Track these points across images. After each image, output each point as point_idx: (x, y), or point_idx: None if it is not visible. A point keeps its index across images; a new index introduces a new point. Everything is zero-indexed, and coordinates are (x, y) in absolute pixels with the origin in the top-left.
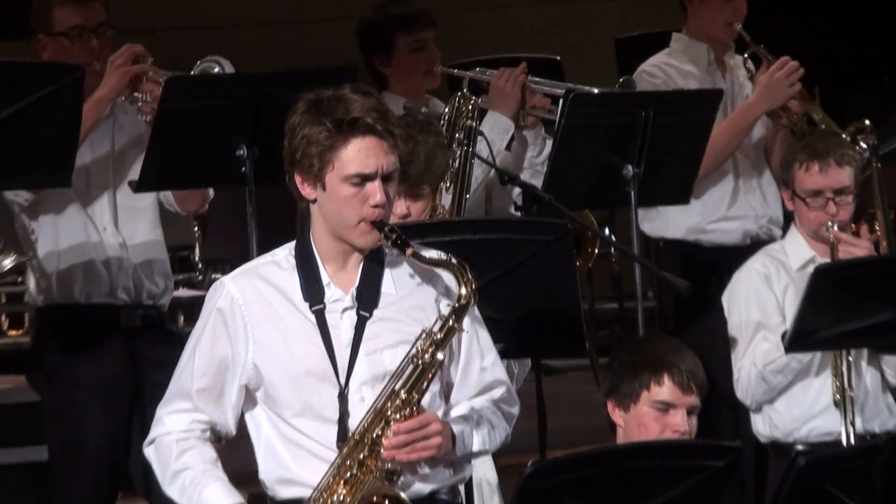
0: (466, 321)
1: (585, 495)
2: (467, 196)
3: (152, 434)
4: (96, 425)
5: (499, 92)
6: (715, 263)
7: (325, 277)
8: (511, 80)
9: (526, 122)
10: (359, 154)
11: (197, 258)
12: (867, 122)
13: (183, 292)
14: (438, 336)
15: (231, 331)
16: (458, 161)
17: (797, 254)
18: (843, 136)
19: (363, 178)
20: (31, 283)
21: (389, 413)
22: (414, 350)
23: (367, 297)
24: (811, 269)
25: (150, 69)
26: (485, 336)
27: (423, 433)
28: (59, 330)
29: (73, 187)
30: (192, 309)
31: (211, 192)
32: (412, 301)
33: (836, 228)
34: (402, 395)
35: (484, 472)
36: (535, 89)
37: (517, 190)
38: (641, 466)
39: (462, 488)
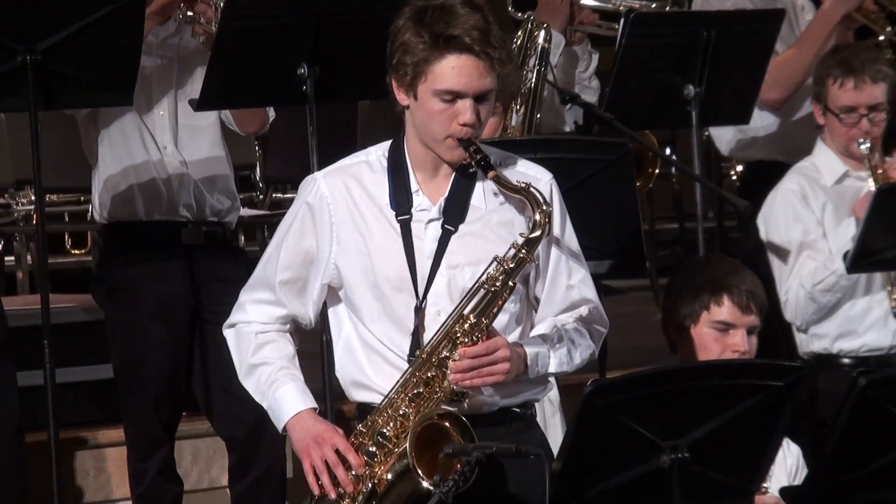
0: (555, 243)
1: (645, 415)
2: (538, 116)
3: (233, 318)
4: (157, 343)
5: (548, 6)
6: None
7: (414, 185)
8: None
9: (574, 37)
10: (452, 71)
11: (258, 178)
12: None
13: (244, 212)
14: (509, 265)
15: (318, 227)
16: (529, 82)
17: (830, 169)
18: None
19: (454, 95)
20: (96, 200)
21: (458, 336)
22: (485, 276)
23: (454, 211)
24: (847, 183)
25: None
26: (574, 254)
27: (489, 359)
28: (122, 247)
29: (134, 105)
30: (253, 228)
31: (271, 114)
32: (500, 216)
33: (867, 145)
34: (472, 318)
35: None
36: (584, 4)
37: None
38: (701, 386)
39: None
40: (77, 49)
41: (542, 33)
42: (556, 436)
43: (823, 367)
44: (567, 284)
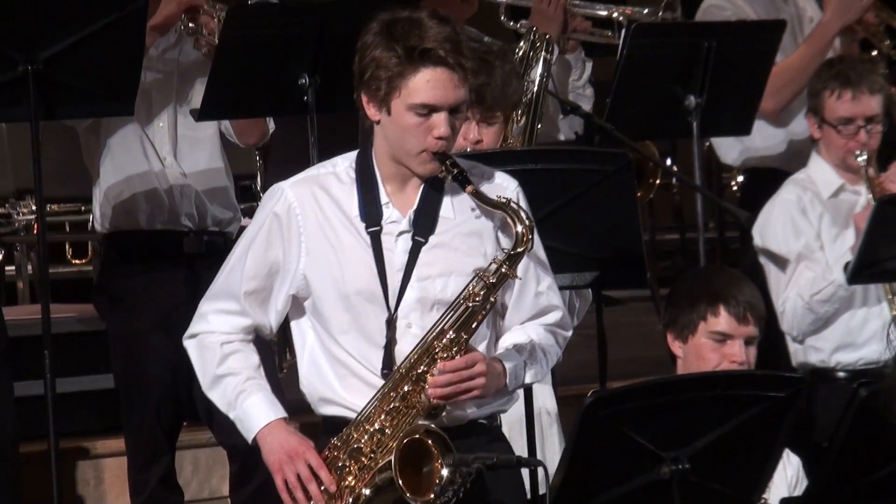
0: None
1: (645, 425)
2: (539, 127)
3: (195, 329)
4: (158, 352)
5: (541, 15)
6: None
7: (383, 197)
8: (553, 2)
9: (567, 46)
10: (427, 84)
11: (258, 187)
12: None
13: (245, 221)
14: (491, 280)
15: (285, 237)
16: (531, 92)
17: (826, 182)
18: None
19: (429, 109)
20: (97, 211)
21: (437, 351)
22: (466, 291)
23: (424, 222)
24: (843, 196)
25: (206, 2)
26: (542, 261)
27: (468, 373)
28: (124, 256)
29: (135, 116)
30: None
31: (271, 127)
32: (470, 227)
33: (865, 157)
34: (451, 334)
35: (544, 401)
36: (576, 12)
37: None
38: (702, 397)
39: (510, 417)
40: (78, 59)
41: (545, 44)
42: (553, 447)
43: (819, 380)
44: (536, 291)
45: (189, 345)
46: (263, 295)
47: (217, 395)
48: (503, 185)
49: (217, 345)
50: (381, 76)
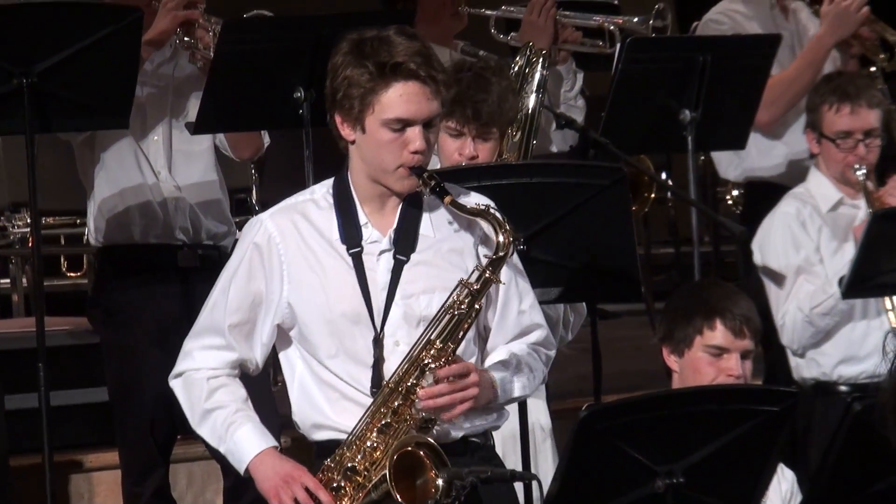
0: (504, 269)
1: (640, 439)
2: (534, 142)
3: (180, 367)
4: (152, 366)
5: (531, 26)
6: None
7: (362, 218)
8: (543, 13)
9: (558, 57)
10: (400, 98)
11: (254, 201)
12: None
13: (239, 235)
14: (475, 287)
15: (266, 267)
16: (526, 108)
17: (825, 196)
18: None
19: (404, 124)
20: (91, 224)
21: (426, 362)
22: (450, 300)
23: (405, 241)
24: (841, 210)
25: (202, 16)
26: (523, 279)
27: (461, 383)
28: (118, 270)
29: (129, 130)
30: None
31: (266, 140)
32: (450, 244)
33: (864, 171)
34: (438, 344)
35: (537, 416)
36: (566, 23)
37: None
38: (696, 411)
39: (503, 432)
40: (74, 72)
41: (541, 59)
42: (546, 462)
43: (819, 393)
44: (518, 310)
45: (175, 384)
46: (248, 328)
47: (206, 430)
48: (479, 203)
49: (203, 380)
50: (354, 94)
